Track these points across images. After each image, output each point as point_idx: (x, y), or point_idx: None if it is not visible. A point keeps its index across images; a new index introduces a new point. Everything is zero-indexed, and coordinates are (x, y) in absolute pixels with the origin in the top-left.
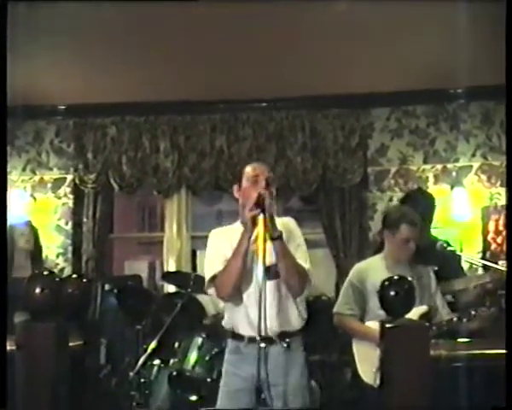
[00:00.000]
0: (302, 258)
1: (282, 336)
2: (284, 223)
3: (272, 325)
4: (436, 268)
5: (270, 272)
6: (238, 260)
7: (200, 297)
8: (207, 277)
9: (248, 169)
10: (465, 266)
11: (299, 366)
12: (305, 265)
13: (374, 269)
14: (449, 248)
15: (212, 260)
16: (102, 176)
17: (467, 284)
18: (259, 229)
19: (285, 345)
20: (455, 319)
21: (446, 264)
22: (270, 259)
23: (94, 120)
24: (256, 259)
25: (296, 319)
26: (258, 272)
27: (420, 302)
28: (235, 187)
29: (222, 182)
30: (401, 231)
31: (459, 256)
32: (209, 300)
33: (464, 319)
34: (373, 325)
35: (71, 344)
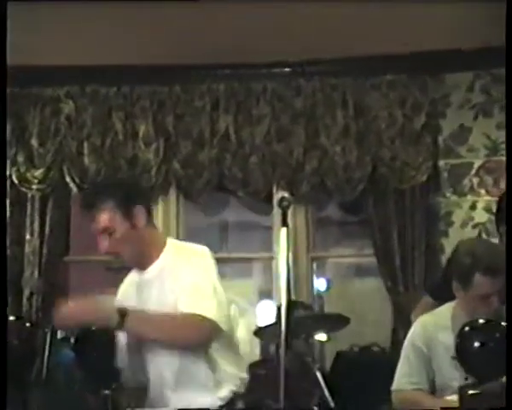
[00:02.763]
0: (191, 302)
1: None
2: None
3: None
4: None
5: None
6: None
7: None
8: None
9: None
10: None
11: None
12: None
13: (444, 325)
14: None
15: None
16: (54, 172)
17: None
18: None
19: None
20: None
21: None
22: None
23: (41, 91)
24: None
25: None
26: None
27: None
28: None
29: (228, 181)
30: (475, 284)
31: None
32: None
33: None
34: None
35: None
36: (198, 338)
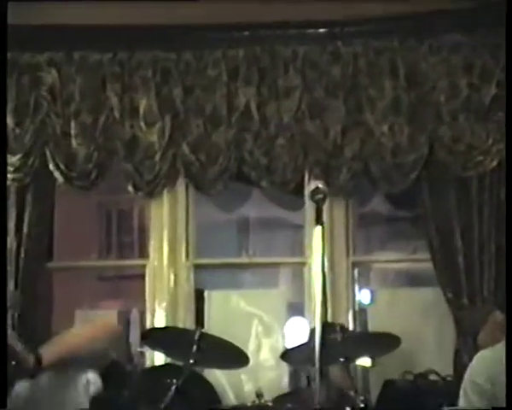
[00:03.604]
0: None
1: None
2: None
3: None
4: None
5: None
6: None
7: (211, 374)
8: None
9: None
10: None
11: None
12: None
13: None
14: None
15: None
16: (34, 158)
17: None
18: None
19: None
20: None
21: None
22: None
23: (17, 57)
24: None
25: None
26: None
27: None
28: None
29: (248, 168)
30: None
31: None
32: (226, 378)
33: None
34: None
35: None
36: None
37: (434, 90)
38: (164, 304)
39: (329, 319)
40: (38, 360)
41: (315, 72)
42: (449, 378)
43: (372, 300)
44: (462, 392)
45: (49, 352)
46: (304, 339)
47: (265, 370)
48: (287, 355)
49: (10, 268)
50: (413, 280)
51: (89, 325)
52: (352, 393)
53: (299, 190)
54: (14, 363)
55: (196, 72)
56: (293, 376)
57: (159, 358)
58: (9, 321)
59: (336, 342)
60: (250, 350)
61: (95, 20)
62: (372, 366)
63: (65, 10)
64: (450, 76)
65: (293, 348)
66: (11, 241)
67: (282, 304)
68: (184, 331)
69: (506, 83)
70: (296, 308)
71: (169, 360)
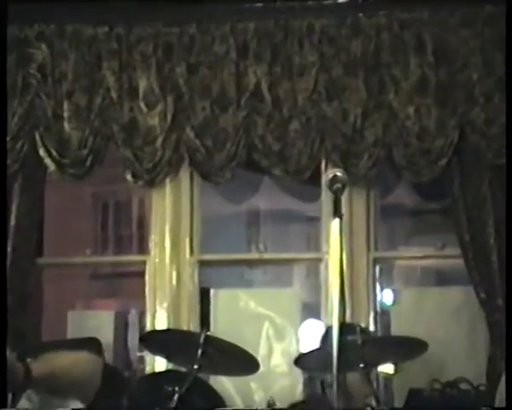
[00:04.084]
0: None
1: None
2: None
3: None
4: None
5: None
6: None
7: (217, 382)
8: None
9: None
10: None
11: None
12: None
13: None
14: None
15: None
16: (22, 142)
17: None
18: None
19: None
20: None
21: None
22: None
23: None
24: None
25: None
26: None
27: None
28: None
29: (259, 155)
30: None
31: None
32: (234, 385)
33: None
34: None
35: None
36: None
37: (466, 68)
38: (165, 304)
39: (348, 321)
40: (28, 372)
41: (333, 48)
42: (481, 388)
43: (395, 300)
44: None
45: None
46: (320, 343)
47: (277, 376)
48: (301, 361)
49: None
50: (441, 279)
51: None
52: (372, 403)
53: (316, 179)
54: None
55: (202, 48)
56: (308, 383)
57: (160, 363)
58: None
59: (356, 345)
60: (260, 355)
61: None
62: (395, 374)
63: None
64: (483, 52)
65: (307, 353)
66: None
67: (295, 304)
68: (188, 334)
69: (506, 83)
70: (311, 309)
71: (171, 365)
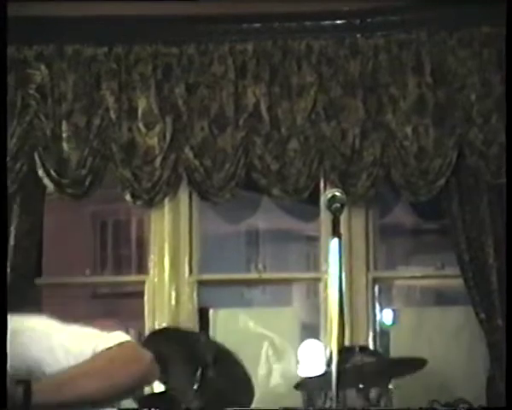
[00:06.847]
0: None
1: None
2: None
3: None
4: None
5: None
6: None
7: None
8: None
9: None
10: None
11: None
12: None
13: None
14: None
15: None
16: (21, 163)
17: None
18: None
19: None
20: None
21: None
22: None
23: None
24: None
25: None
26: None
27: None
28: None
29: (258, 175)
30: None
31: None
32: None
33: None
34: None
35: None
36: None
37: (464, 88)
38: (164, 324)
39: (347, 341)
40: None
41: (331, 68)
42: (480, 409)
43: (395, 320)
44: None
45: (45, 391)
46: (320, 365)
47: (277, 398)
48: (302, 385)
49: None
50: (441, 299)
51: (108, 354)
52: None
53: (314, 198)
54: None
55: (200, 68)
56: (308, 403)
57: (157, 384)
58: None
59: (355, 366)
60: (260, 375)
61: (89, 11)
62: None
63: None
64: (481, 72)
65: (309, 378)
66: None
67: (295, 324)
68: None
69: (506, 83)
70: (311, 329)
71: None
